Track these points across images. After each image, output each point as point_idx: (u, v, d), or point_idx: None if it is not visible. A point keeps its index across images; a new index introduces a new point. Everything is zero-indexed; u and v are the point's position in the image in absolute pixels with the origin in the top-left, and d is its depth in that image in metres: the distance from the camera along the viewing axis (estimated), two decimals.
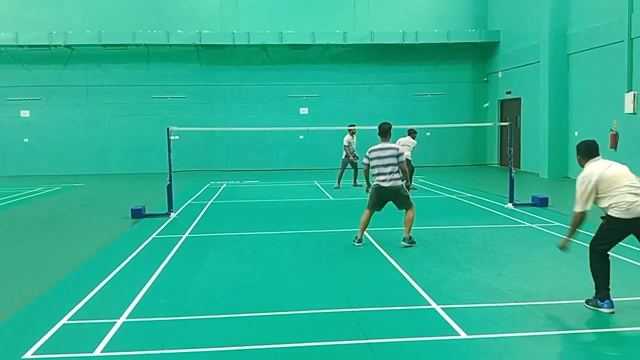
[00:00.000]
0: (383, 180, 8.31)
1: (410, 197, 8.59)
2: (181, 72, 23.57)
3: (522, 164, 21.31)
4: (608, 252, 5.59)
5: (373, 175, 8.51)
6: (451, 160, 24.18)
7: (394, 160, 8.29)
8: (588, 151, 5.73)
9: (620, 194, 5.43)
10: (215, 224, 10.82)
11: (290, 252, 8.32)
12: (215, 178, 19.84)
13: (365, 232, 8.68)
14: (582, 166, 5.73)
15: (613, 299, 5.45)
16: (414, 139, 15.33)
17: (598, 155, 5.73)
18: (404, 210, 8.48)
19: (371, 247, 8.47)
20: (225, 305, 5.85)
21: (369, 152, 8.53)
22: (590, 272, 5.62)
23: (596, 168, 5.57)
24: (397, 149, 8.44)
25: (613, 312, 5.39)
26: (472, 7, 24.43)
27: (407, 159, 15.09)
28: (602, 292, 5.49)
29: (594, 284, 5.56)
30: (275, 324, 5.31)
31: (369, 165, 8.61)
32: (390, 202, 8.57)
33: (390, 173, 8.27)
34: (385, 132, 8.59)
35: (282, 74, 23.91)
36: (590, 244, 5.68)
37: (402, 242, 8.40)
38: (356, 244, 8.52)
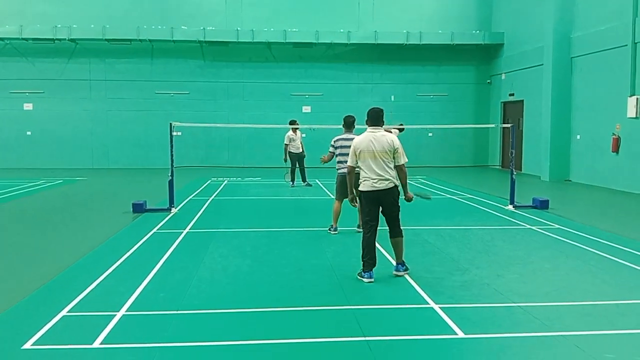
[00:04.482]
0: None
1: None
2: (185, 68, 23.60)
3: (523, 166, 21.32)
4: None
5: None
6: (452, 161, 24.18)
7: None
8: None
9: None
10: (216, 220, 10.84)
11: (290, 249, 8.34)
12: (217, 174, 19.87)
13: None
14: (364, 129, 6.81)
15: (615, 302, 5.60)
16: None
17: None
18: None
19: None
20: (223, 301, 5.87)
21: None
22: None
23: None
24: None
25: (372, 282, 6.45)
26: (477, 8, 24.40)
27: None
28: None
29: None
30: (273, 319, 5.33)
31: None
32: None
33: None
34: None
35: (285, 72, 23.92)
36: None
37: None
38: None
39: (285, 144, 16.37)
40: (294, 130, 16.19)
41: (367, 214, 6.65)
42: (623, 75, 15.51)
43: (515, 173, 12.46)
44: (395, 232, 6.76)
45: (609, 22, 16.34)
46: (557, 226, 10.11)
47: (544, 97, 18.85)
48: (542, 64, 19.11)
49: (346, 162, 8.38)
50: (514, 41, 22.45)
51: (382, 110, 6.81)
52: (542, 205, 12.07)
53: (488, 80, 24.60)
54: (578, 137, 17.91)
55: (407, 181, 6.78)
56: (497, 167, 23.80)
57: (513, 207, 12.11)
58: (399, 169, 6.65)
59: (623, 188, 15.57)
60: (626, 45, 15.39)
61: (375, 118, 6.72)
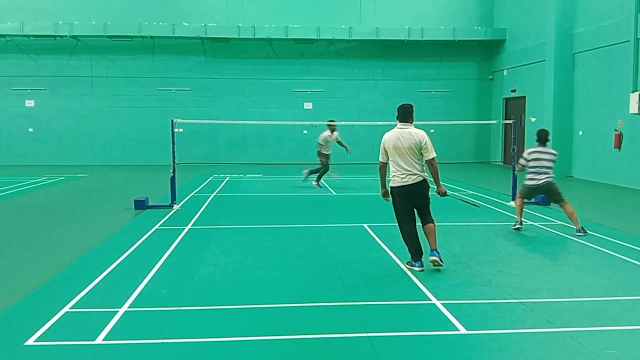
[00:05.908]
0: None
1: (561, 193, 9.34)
2: (186, 65, 23.59)
3: None
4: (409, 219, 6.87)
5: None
6: (454, 158, 24.08)
7: (549, 164, 9.29)
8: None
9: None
10: (217, 217, 10.84)
11: (291, 245, 8.34)
12: (219, 171, 19.88)
13: (366, 227, 8.73)
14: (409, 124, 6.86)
15: (617, 298, 5.62)
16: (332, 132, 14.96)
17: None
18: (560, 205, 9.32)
19: (373, 242, 8.50)
20: (225, 297, 5.88)
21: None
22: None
23: None
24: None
25: (423, 271, 6.63)
26: (478, 4, 24.35)
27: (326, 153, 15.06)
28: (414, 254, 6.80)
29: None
30: (275, 316, 5.34)
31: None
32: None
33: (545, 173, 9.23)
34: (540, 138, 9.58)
35: (287, 68, 23.91)
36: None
37: (577, 233, 8.87)
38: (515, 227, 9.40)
39: (320, 144, 14.92)
40: (332, 130, 14.85)
41: (400, 208, 6.84)
42: (625, 71, 15.48)
43: (517, 169, 12.41)
44: (427, 220, 6.88)
45: (611, 17, 16.29)
46: (559, 222, 10.11)
47: (546, 93, 18.82)
48: (544, 60, 19.07)
49: (534, 172, 9.19)
50: (516, 37, 22.39)
51: (411, 107, 6.88)
52: (544, 201, 12.04)
53: (490, 77, 24.56)
54: (580, 132, 17.88)
55: (439, 175, 6.90)
56: (499, 163, 23.76)
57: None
58: (429, 163, 6.78)
59: (625, 184, 15.55)
60: (628, 41, 15.35)
61: (404, 114, 6.84)
